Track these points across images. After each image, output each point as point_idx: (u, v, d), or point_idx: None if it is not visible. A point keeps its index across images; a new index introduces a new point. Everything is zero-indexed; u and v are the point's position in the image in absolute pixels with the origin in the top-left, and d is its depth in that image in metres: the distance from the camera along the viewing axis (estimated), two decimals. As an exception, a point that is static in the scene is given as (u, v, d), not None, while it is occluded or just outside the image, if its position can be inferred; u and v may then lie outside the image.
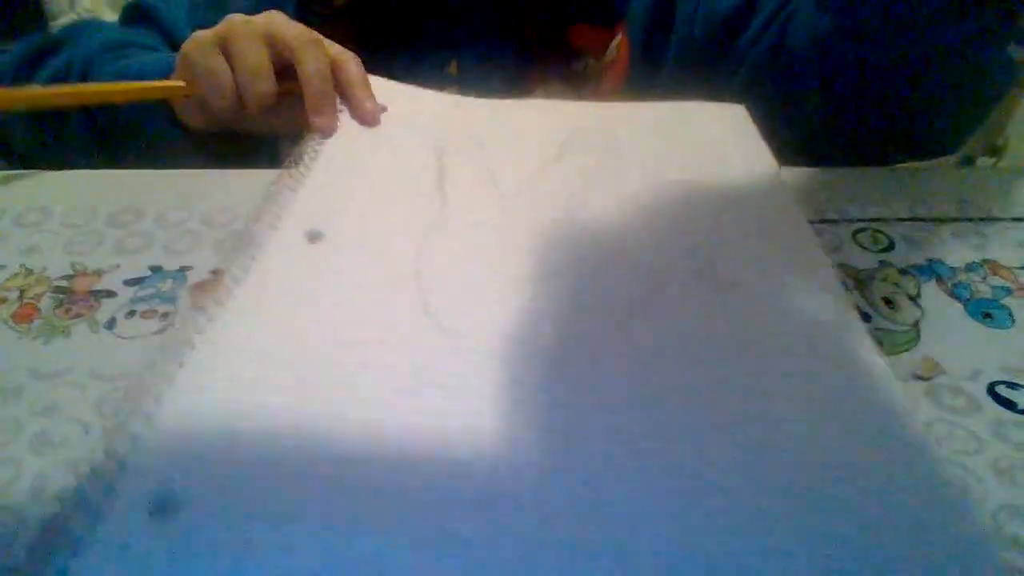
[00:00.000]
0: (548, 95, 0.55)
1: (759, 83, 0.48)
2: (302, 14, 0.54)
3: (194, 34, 0.42)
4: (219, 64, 0.41)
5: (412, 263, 0.32)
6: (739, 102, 0.45)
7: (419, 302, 0.30)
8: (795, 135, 0.43)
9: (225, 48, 0.41)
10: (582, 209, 0.36)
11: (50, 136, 0.48)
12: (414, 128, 0.43)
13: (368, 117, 0.42)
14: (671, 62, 0.54)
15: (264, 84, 0.41)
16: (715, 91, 0.49)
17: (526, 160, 0.40)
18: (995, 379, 0.29)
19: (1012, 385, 0.28)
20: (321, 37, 0.42)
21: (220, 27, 0.42)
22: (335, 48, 0.43)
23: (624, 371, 0.27)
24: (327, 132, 0.41)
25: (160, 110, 0.44)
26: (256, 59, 0.41)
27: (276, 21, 0.42)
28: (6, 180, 0.42)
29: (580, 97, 0.55)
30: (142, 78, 0.44)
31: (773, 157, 0.39)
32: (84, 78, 0.47)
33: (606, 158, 0.40)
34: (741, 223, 0.35)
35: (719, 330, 0.29)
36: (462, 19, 0.53)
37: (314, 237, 0.34)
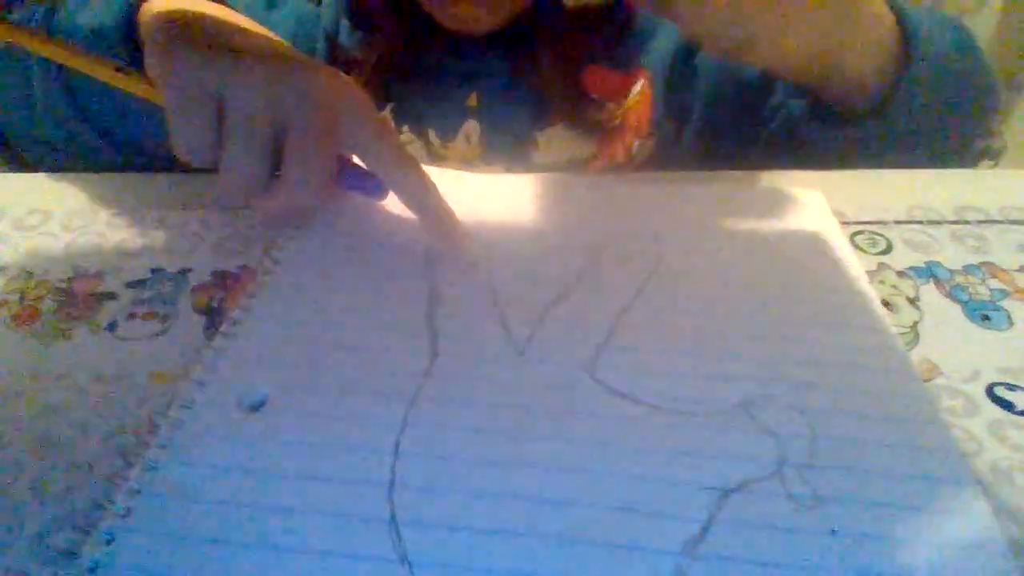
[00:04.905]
0: (568, 133, 0.53)
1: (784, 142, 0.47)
2: (331, 53, 0.54)
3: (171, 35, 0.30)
4: (199, 128, 0.30)
5: (382, 461, 0.25)
6: (769, 151, 0.45)
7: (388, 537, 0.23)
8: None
9: (222, 102, 0.30)
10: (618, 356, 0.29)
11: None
12: (398, 240, 0.35)
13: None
14: (696, 114, 0.54)
15: (252, 195, 0.32)
16: (744, 143, 0.50)
17: (542, 287, 0.32)
18: (993, 380, 0.29)
19: (1010, 386, 0.29)
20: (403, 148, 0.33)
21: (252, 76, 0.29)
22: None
23: None
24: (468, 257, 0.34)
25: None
26: (257, 158, 0.31)
27: (348, 117, 0.31)
28: (6, 183, 0.42)
29: (602, 139, 0.54)
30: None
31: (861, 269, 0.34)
32: (48, 14, 0.40)
33: (653, 276, 0.33)
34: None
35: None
36: (482, 54, 0.53)
37: (254, 405, 0.27)
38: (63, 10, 0.40)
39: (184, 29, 0.30)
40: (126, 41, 0.38)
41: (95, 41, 0.38)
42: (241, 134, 0.30)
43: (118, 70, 0.33)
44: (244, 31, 0.32)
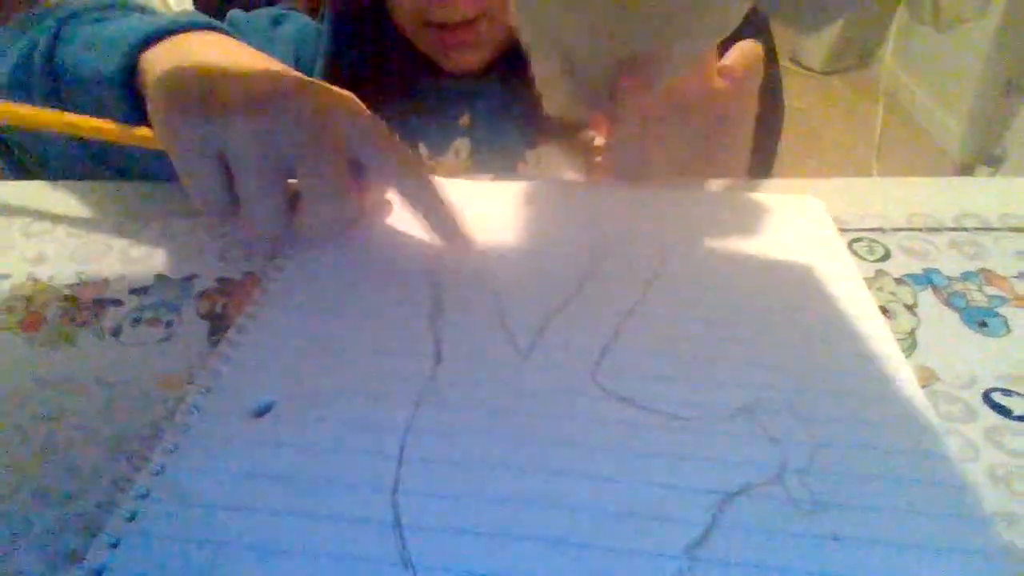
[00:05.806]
0: (556, 153, 0.54)
1: None
2: (330, 70, 0.54)
3: (180, 107, 0.31)
4: (210, 181, 0.32)
5: (382, 470, 0.25)
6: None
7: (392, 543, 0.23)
8: None
9: (224, 156, 0.32)
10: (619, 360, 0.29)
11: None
12: (402, 246, 0.36)
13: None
14: None
15: (276, 228, 0.34)
16: None
17: (545, 291, 0.33)
18: (991, 386, 0.29)
19: (1007, 392, 0.29)
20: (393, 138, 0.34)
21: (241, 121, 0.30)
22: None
23: None
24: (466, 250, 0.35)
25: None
26: (270, 201, 0.33)
27: (340, 126, 0.32)
28: (13, 190, 0.42)
29: (590, 164, 0.55)
30: (112, 44, 0.38)
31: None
32: (52, 46, 0.40)
33: (654, 279, 0.34)
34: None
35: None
36: (477, 76, 0.53)
37: (259, 410, 0.28)
38: (67, 44, 0.40)
39: (176, 94, 0.32)
40: (126, 88, 0.38)
41: (95, 85, 0.38)
42: (250, 185, 0.32)
43: (122, 128, 0.36)
44: (232, 73, 0.33)
